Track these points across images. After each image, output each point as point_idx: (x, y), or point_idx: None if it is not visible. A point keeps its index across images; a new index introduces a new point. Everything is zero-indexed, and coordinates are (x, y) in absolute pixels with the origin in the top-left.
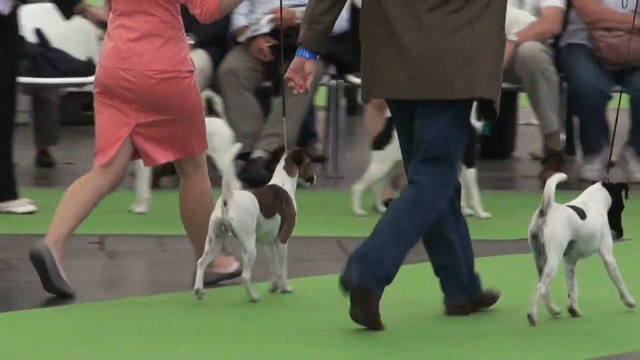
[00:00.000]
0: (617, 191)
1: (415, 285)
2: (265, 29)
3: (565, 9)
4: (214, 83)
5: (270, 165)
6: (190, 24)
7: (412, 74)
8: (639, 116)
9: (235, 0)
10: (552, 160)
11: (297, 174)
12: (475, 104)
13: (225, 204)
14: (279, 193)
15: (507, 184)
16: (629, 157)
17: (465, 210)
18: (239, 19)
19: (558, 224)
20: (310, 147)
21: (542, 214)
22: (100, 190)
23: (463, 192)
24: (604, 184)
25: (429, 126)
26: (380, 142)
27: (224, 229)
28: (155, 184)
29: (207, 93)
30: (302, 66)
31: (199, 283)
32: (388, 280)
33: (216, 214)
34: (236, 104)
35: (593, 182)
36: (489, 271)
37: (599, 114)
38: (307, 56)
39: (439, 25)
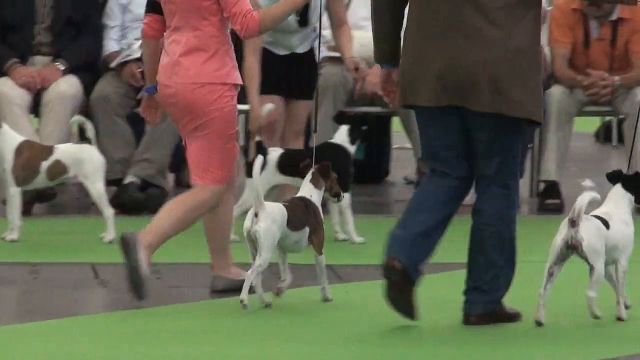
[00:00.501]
0: (636, 183)
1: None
2: (137, 54)
3: None
4: (85, 109)
5: (148, 189)
6: (60, 50)
7: (494, 89)
8: None
9: (275, 20)
10: None
11: (324, 188)
12: (347, 127)
13: (256, 215)
14: (308, 205)
15: (381, 209)
16: None
17: (340, 235)
18: (111, 45)
19: (593, 235)
20: (183, 173)
21: (574, 224)
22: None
23: (337, 217)
24: (623, 184)
25: (501, 139)
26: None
27: (254, 238)
28: (27, 211)
29: (79, 119)
30: (390, 76)
31: (244, 293)
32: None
33: (246, 224)
34: (108, 130)
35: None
36: (362, 296)
37: None
38: (391, 67)
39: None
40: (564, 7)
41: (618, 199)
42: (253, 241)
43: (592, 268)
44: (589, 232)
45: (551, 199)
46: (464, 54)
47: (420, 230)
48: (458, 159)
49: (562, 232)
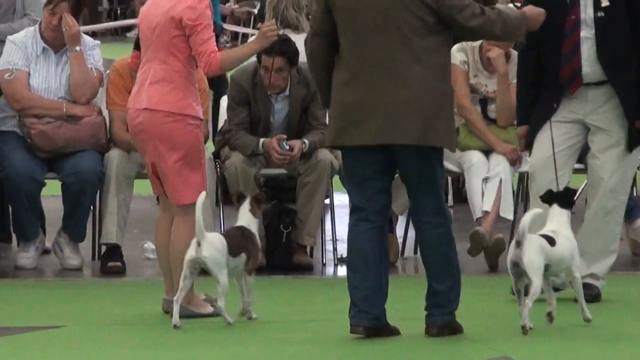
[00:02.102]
0: (567, 197)
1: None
2: None
3: None
4: None
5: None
6: None
7: (425, 123)
8: (71, 202)
9: (234, 62)
10: None
11: (261, 215)
12: None
13: (199, 244)
14: (245, 234)
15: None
16: (63, 243)
17: None
18: None
19: (533, 251)
20: None
21: (519, 244)
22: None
23: None
24: (559, 204)
25: (427, 167)
26: None
27: (197, 266)
28: None
29: None
30: None
31: (175, 319)
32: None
33: (190, 253)
34: None
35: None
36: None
37: (33, 201)
38: None
39: (419, 80)
40: (122, 71)
41: (558, 217)
42: (195, 268)
43: (530, 282)
44: (530, 250)
45: (112, 261)
46: (393, 94)
47: None
48: (380, 202)
49: (510, 253)
